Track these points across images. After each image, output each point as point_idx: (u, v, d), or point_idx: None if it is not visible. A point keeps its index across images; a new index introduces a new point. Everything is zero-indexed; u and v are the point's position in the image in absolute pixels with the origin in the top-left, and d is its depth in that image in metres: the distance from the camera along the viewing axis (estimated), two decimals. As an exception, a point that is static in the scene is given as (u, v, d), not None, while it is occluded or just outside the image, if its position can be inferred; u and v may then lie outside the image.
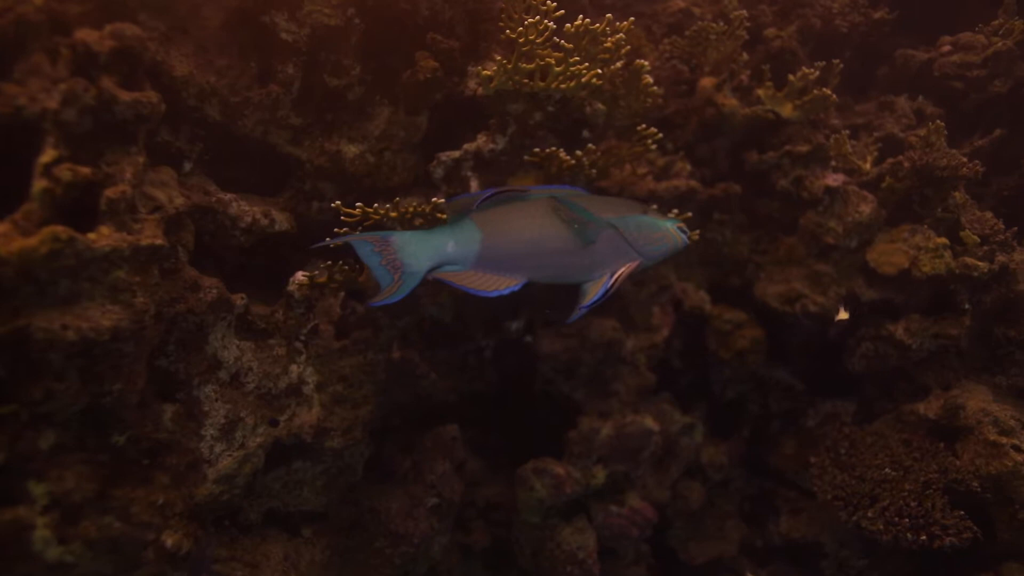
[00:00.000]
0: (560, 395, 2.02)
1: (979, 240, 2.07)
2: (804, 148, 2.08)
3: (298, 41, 1.50)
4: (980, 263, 2.02)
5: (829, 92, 2.11)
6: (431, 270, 1.26)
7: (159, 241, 1.27)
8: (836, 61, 2.25)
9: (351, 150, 1.60)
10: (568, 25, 1.42)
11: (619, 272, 1.33)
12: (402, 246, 1.23)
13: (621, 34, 1.52)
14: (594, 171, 1.51)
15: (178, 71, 1.44)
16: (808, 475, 2.06)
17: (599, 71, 1.42)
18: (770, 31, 2.38)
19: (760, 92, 2.15)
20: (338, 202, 1.37)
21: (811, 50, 2.59)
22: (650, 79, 1.65)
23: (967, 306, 2.06)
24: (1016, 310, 2.09)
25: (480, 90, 1.44)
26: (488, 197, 1.31)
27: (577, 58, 1.39)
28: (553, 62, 1.39)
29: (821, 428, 2.24)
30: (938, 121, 2.31)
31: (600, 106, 1.54)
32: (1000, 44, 2.56)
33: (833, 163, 2.13)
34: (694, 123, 2.13)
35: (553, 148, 1.45)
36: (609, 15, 1.44)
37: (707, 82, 2.11)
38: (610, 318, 2.02)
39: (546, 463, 1.76)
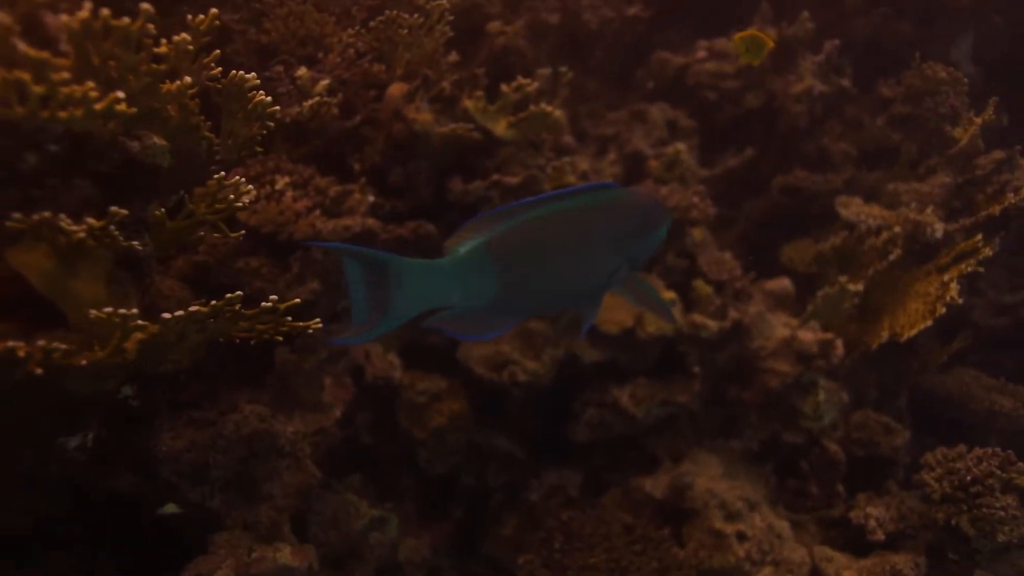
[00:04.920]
0: (192, 504, 1.51)
1: (711, 291, 1.79)
2: (515, 179, 1.69)
3: None
4: (710, 322, 1.73)
5: (550, 109, 1.71)
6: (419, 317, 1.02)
7: None
8: (564, 69, 1.87)
9: None
10: (65, 17, 0.89)
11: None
12: (397, 282, 0.97)
13: (185, 35, 1.00)
14: (144, 246, 0.99)
15: None
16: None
17: (119, 95, 0.90)
18: (494, 25, 1.96)
19: (468, 104, 1.72)
20: None
21: (551, 48, 2.21)
22: (265, 97, 1.15)
23: (696, 369, 1.78)
24: (750, 369, 1.84)
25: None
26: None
27: (66, 74, 0.86)
28: (28, 79, 0.86)
29: (545, 502, 1.91)
30: (679, 145, 2.01)
31: (157, 141, 1.03)
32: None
33: (552, 197, 1.75)
34: (381, 141, 1.67)
35: (47, 214, 0.93)
36: (146, 5, 0.92)
37: (395, 90, 1.65)
38: (259, 402, 1.53)
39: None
